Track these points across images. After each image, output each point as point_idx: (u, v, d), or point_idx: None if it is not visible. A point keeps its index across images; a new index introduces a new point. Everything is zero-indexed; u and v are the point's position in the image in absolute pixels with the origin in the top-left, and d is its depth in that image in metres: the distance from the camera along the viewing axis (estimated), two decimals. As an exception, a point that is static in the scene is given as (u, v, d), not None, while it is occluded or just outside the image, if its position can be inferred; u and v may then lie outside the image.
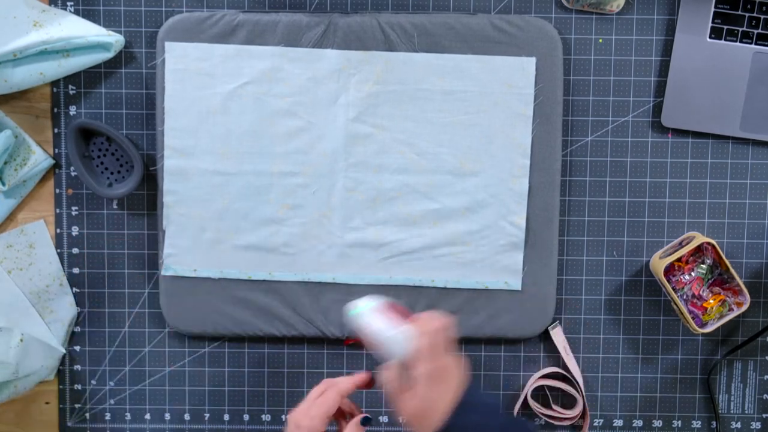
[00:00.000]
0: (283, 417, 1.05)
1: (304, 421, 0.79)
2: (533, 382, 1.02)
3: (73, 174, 1.02)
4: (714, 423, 1.05)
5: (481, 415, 0.76)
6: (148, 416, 1.05)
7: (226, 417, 1.05)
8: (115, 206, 1.03)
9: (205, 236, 1.00)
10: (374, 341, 0.79)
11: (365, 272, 1.01)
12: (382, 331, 0.78)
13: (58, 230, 1.03)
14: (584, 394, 1.02)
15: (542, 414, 1.03)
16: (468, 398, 0.76)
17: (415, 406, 0.76)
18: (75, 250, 1.03)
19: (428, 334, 0.77)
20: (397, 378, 0.78)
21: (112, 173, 1.01)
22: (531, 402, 1.03)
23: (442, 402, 0.75)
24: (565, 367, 1.03)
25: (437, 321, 0.78)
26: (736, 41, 0.99)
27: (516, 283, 1.01)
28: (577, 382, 1.02)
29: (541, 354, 1.04)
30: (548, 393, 1.04)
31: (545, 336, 1.03)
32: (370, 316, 0.80)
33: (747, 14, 0.99)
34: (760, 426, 1.05)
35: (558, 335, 1.02)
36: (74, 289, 1.04)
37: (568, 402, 1.04)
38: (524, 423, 0.94)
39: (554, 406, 1.04)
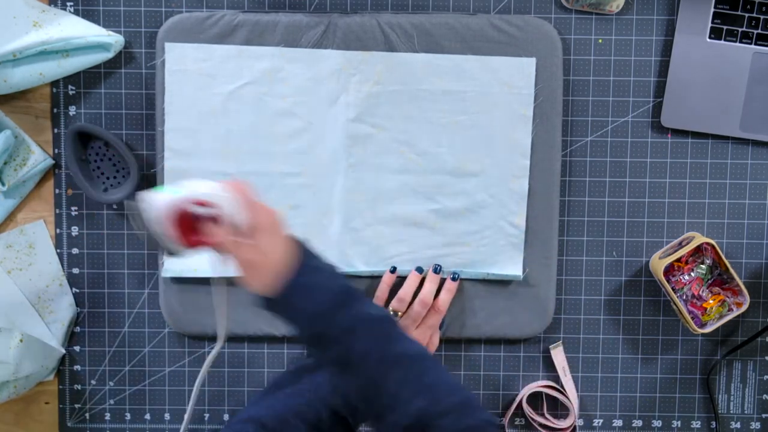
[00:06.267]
0: (283, 417, 1.05)
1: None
2: (529, 390, 1.02)
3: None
4: (713, 423, 1.05)
5: (325, 276, 0.76)
6: (148, 416, 1.05)
7: (226, 417, 1.05)
8: (115, 206, 1.03)
9: (205, 236, 1.00)
10: (210, 204, 0.74)
11: (365, 272, 1.01)
12: (209, 194, 0.74)
13: (58, 230, 1.03)
14: (577, 414, 1.02)
15: (534, 420, 1.03)
16: (309, 260, 0.76)
17: (249, 257, 0.74)
18: (75, 251, 1.03)
19: (242, 191, 0.75)
20: (229, 233, 0.75)
21: (108, 178, 1.01)
22: (525, 408, 1.03)
23: (276, 252, 0.74)
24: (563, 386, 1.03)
25: (240, 182, 0.76)
26: (735, 41, 0.99)
27: (516, 284, 1.01)
28: (572, 403, 1.02)
29: (541, 354, 1.04)
30: (544, 399, 1.04)
31: (545, 336, 1.03)
32: (188, 185, 0.75)
33: (747, 14, 0.99)
34: (759, 426, 1.05)
35: (558, 355, 1.02)
36: (74, 289, 1.04)
37: (564, 406, 1.04)
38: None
39: (547, 415, 1.04)
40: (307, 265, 0.76)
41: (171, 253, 0.77)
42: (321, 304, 0.75)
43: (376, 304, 0.81)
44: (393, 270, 1.00)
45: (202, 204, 0.74)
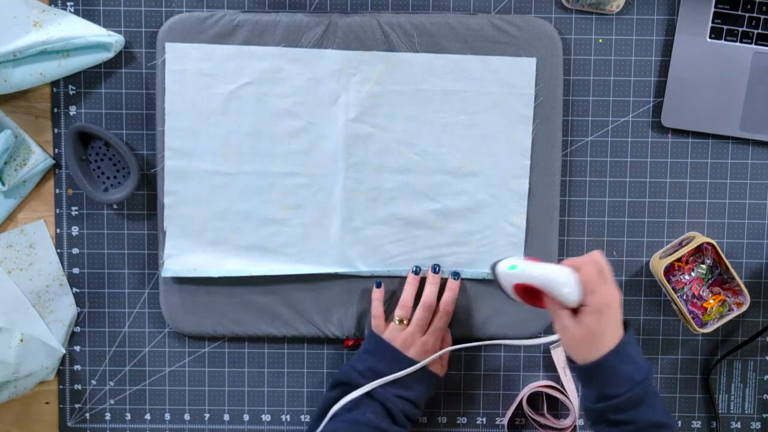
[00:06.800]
0: (282, 417, 1.05)
1: (430, 347, 0.96)
2: (529, 390, 1.02)
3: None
4: (714, 423, 1.05)
5: (631, 366, 0.81)
6: (148, 416, 1.05)
7: (226, 417, 1.05)
8: (115, 206, 1.03)
9: (206, 237, 1.00)
10: (543, 287, 0.82)
11: (365, 272, 1.01)
12: (548, 276, 0.82)
13: (58, 230, 1.03)
14: (577, 414, 1.02)
15: (535, 420, 1.03)
16: (624, 347, 0.81)
17: (581, 334, 0.81)
18: (75, 250, 1.03)
19: (592, 263, 0.81)
20: (568, 318, 0.82)
21: (108, 178, 1.01)
22: (525, 408, 1.03)
23: (609, 333, 0.80)
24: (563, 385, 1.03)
25: (593, 255, 0.82)
26: (736, 41, 0.99)
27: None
28: (572, 403, 1.02)
29: (541, 354, 1.04)
30: (545, 399, 1.04)
31: (545, 336, 1.03)
32: (530, 266, 0.84)
33: (747, 14, 0.99)
34: (760, 426, 1.05)
35: (558, 354, 1.02)
36: (74, 289, 1.04)
37: (564, 406, 1.04)
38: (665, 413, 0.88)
39: (547, 415, 1.04)
40: (622, 351, 0.81)
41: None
42: (619, 393, 0.80)
43: (664, 411, 0.84)
44: (416, 271, 0.99)
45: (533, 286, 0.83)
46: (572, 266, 0.81)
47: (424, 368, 0.95)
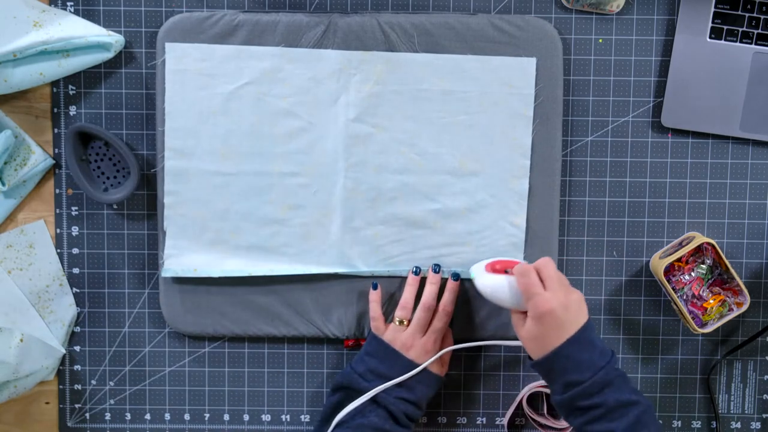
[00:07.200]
0: (282, 417, 1.05)
1: (431, 347, 0.96)
2: (529, 390, 1.02)
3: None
4: (714, 423, 1.05)
5: (593, 353, 0.84)
6: (148, 416, 1.05)
7: (226, 417, 1.05)
8: (115, 206, 1.03)
9: (206, 237, 1.00)
10: (485, 295, 0.93)
11: (365, 272, 1.01)
12: (490, 285, 0.92)
13: (58, 230, 1.03)
14: None
15: (535, 420, 1.03)
16: (582, 335, 0.85)
17: (528, 335, 0.87)
18: (75, 250, 1.03)
19: (528, 273, 0.87)
20: (519, 319, 0.89)
21: (108, 178, 1.01)
22: (525, 408, 1.03)
23: (553, 336, 0.85)
24: None
25: (538, 261, 0.88)
26: (736, 41, 0.99)
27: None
28: None
29: (541, 354, 1.04)
30: (545, 399, 1.04)
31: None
32: (479, 275, 0.94)
33: (747, 14, 0.99)
34: (760, 426, 1.05)
35: None
36: (74, 289, 1.04)
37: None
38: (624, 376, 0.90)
39: (547, 415, 1.04)
40: (581, 339, 0.85)
41: None
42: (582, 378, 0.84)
43: (632, 389, 0.87)
44: (417, 272, 0.99)
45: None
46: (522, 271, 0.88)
47: (425, 369, 0.95)
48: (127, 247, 1.03)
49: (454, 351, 1.02)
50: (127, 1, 1.00)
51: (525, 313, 0.88)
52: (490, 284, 0.92)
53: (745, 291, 0.97)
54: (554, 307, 0.84)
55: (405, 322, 0.96)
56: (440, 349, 0.97)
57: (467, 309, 1.01)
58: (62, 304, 1.03)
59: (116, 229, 1.03)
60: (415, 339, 0.95)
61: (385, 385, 0.93)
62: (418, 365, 0.94)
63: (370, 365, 0.94)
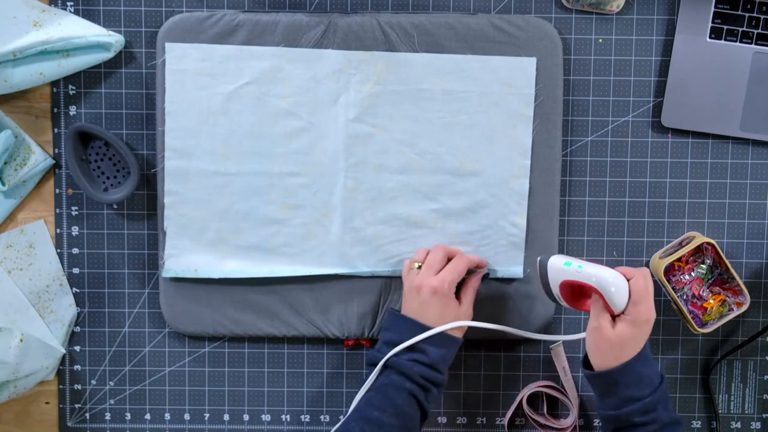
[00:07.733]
0: (282, 417, 1.05)
1: (443, 286, 0.92)
2: (529, 390, 1.02)
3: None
4: (714, 423, 1.05)
5: (651, 370, 0.85)
6: (148, 416, 1.05)
7: (226, 417, 1.05)
8: (115, 206, 1.03)
9: (206, 237, 1.00)
10: (598, 287, 0.84)
11: (365, 272, 1.01)
12: (604, 277, 0.84)
13: (58, 230, 1.03)
14: (577, 414, 1.02)
15: (535, 420, 1.03)
16: (646, 351, 0.85)
17: (614, 340, 0.84)
18: (75, 250, 1.03)
19: (643, 277, 0.85)
20: (608, 321, 0.85)
21: (108, 178, 1.01)
22: (525, 408, 1.03)
23: (637, 346, 0.84)
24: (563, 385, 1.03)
25: (644, 269, 0.86)
26: (736, 41, 0.99)
27: (516, 283, 1.01)
28: (572, 403, 1.02)
29: (541, 354, 1.04)
30: (545, 399, 1.04)
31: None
32: (587, 266, 0.86)
33: (747, 14, 0.99)
34: (760, 426, 1.05)
35: (559, 355, 1.02)
36: (74, 289, 1.04)
37: (564, 406, 1.04)
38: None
39: (547, 415, 1.04)
40: (644, 355, 0.85)
41: (555, 301, 0.91)
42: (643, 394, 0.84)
43: (673, 408, 0.89)
44: (484, 277, 1.00)
45: (589, 286, 0.85)
46: (623, 274, 0.85)
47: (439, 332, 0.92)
48: (127, 247, 1.03)
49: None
50: (127, 1, 1.00)
51: (611, 315, 0.85)
52: (597, 274, 0.85)
53: (745, 291, 0.98)
54: (653, 318, 0.84)
55: (417, 266, 0.95)
56: (461, 298, 0.95)
57: (487, 308, 1.00)
58: (62, 304, 1.03)
59: (116, 229, 1.03)
60: (425, 278, 0.93)
61: (393, 351, 0.90)
62: (425, 327, 0.91)
63: (384, 337, 0.93)
